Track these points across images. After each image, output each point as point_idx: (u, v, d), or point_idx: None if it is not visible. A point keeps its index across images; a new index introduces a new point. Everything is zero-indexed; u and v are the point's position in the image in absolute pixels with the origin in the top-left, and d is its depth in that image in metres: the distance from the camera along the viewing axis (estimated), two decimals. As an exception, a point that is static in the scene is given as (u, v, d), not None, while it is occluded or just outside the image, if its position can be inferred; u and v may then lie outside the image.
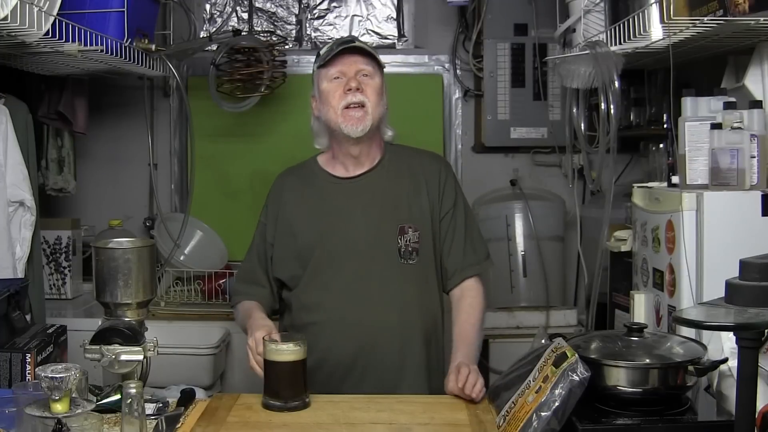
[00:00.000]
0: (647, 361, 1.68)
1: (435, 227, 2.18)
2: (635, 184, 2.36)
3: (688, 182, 2.09)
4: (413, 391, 2.06)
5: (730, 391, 1.62)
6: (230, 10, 3.86)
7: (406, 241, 2.13)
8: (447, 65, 3.76)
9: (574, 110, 2.91)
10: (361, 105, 2.09)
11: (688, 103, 2.17)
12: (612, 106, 2.43)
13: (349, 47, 2.12)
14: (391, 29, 3.87)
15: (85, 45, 2.47)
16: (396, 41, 3.84)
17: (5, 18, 1.95)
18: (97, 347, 1.80)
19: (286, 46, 3.73)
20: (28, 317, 2.05)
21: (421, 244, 2.15)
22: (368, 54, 2.13)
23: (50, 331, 1.95)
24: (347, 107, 2.09)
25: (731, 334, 1.48)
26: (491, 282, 2.42)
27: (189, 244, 3.55)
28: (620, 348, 1.73)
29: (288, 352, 1.89)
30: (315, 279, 2.14)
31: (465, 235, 2.20)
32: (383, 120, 2.19)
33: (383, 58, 2.22)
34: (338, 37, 3.71)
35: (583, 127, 2.91)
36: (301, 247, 2.16)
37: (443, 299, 2.22)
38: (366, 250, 2.12)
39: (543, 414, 1.61)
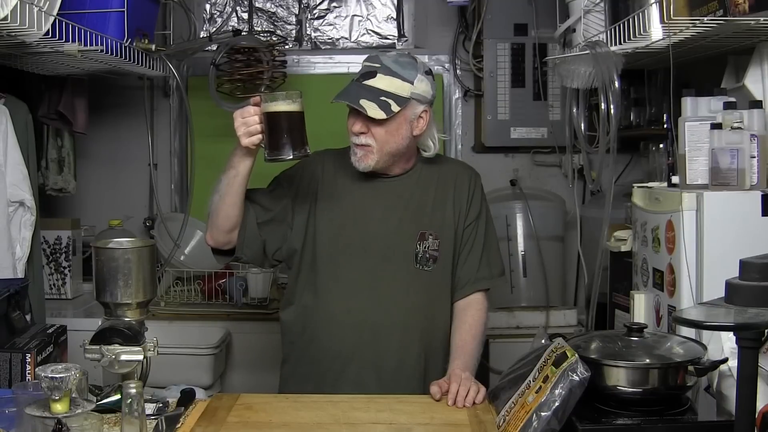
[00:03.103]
0: (647, 361, 1.68)
1: (457, 238, 2.18)
2: (635, 184, 2.36)
3: (688, 182, 2.09)
4: (409, 393, 2.06)
5: (730, 391, 1.62)
6: (230, 10, 3.86)
7: (425, 248, 2.13)
8: (447, 65, 3.76)
9: (574, 110, 2.91)
10: (367, 145, 2.07)
11: (688, 103, 2.17)
12: (612, 106, 2.44)
13: (350, 104, 2.04)
14: (391, 29, 3.86)
15: (85, 45, 2.48)
16: (396, 41, 3.84)
17: (5, 18, 1.95)
18: (97, 347, 1.80)
19: (286, 46, 3.74)
20: (28, 317, 2.05)
21: (441, 252, 2.15)
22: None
23: (50, 331, 1.95)
24: (355, 143, 2.08)
25: (731, 334, 1.48)
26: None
27: (189, 244, 3.55)
28: (620, 348, 1.73)
29: (288, 101, 1.89)
30: (327, 266, 2.13)
31: (483, 248, 2.19)
32: (421, 138, 2.13)
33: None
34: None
35: (583, 127, 2.92)
36: (319, 230, 2.14)
37: (451, 308, 2.20)
38: (382, 250, 2.12)
39: (543, 414, 1.61)
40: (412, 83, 2.05)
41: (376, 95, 2.02)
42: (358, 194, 2.16)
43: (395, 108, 2.03)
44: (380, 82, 2.04)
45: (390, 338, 2.11)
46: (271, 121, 1.90)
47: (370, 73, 2.06)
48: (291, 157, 1.90)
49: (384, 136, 2.05)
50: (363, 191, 2.16)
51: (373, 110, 2.01)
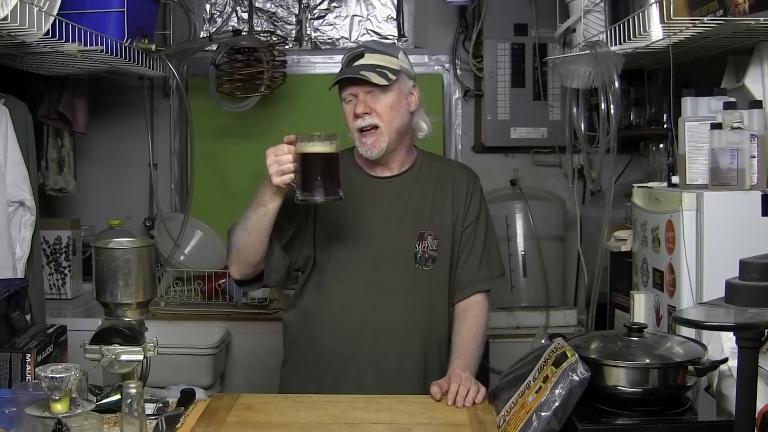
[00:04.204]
0: (647, 361, 1.68)
1: (456, 238, 2.18)
2: (635, 184, 2.36)
3: (688, 182, 2.09)
4: (409, 393, 2.06)
5: (730, 391, 1.62)
6: (230, 10, 3.86)
7: (424, 248, 2.14)
8: (447, 65, 3.76)
9: (574, 110, 2.91)
10: (374, 126, 2.07)
11: (688, 103, 2.16)
12: (612, 106, 2.44)
13: (352, 76, 2.06)
14: (391, 29, 3.87)
15: (85, 45, 2.48)
16: (396, 41, 3.84)
17: (5, 18, 1.95)
18: (97, 347, 1.80)
19: (286, 46, 3.74)
20: (28, 317, 2.05)
21: (440, 253, 2.15)
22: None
23: (50, 331, 1.95)
24: (361, 131, 2.08)
25: (731, 334, 1.48)
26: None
27: (189, 244, 3.55)
28: (620, 348, 1.73)
29: (325, 143, 1.89)
30: (329, 269, 2.14)
31: (483, 249, 2.20)
32: (414, 117, 2.17)
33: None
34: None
35: (583, 127, 2.92)
36: (320, 233, 2.15)
37: (452, 309, 2.21)
38: (382, 251, 2.13)
39: (543, 414, 1.61)
40: (397, 57, 2.12)
41: (372, 68, 2.06)
42: (357, 195, 2.16)
43: (392, 76, 2.07)
44: (370, 59, 2.08)
45: (390, 338, 2.11)
46: (305, 162, 1.90)
47: (358, 56, 2.10)
48: (323, 200, 1.91)
49: (389, 112, 2.07)
50: (363, 192, 2.16)
51: (376, 78, 2.04)
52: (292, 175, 1.92)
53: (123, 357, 1.81)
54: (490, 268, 2.21)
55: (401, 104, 2.11)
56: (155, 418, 1.75)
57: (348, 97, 2.09)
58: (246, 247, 2.08)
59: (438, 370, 2.13)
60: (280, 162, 1.91)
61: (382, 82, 2.05)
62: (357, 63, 2.08)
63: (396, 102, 2.09)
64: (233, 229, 2.11)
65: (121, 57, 2.72)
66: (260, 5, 3.86)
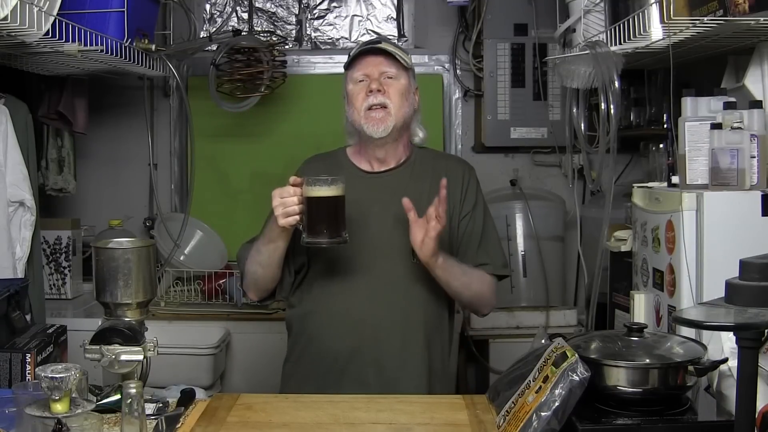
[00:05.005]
0: (647, 361, 1.68)
1: (453, 230, 2.18)
2: (635, 184, 2.36)
3: (688, 182, 2.09)
4: (412, 391, 2.06)
5: (730, 391, 1.62)
6: (230, 10, 3.86)
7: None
8: (447, 65, 3.76)
9: (574, 110, 2.91)
10: (383, 106, 2.10)
11: (688, 103, 2.16)
12: (612, 106, 2.44)
13: (372, 49, 2.13)
14: (391, 29, 3.87)
15: (85, 45, 2.48)
16: (396, 41, 3.83)
17: (5, 18, 1.95)
18: (97, 347, 1.80)
19: (286, 46, 3.74)
20: (28, 317, 2.05)
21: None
22: (393, 55, 2.14)
23: (50, 331, 1.95)
24: (369, 109, 2.10)
25: (731, 334, 1.48)
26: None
27: (189, 244, 3.56)
28: (620, 348, 1.73)
29: (332, 186, 1.92)
30: (325, 268, 2.14)
31: (481, 240, 2.19)
32: (413, 120, 2.20)
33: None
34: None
35: (583, 127, 2.92)
36: None
37: (453, 304, 2.21)
38: (378, 246, 2.13)
39: (543, 414, 1.61)
40: (407, 54, 2.19)
41: (392, 48, 2.15)
42: (353, 192, 2.16)
43: (409, 63, 2.15)
44: (388, 46, 2.16)
45: (390, 335, 2.11)
46: (310, 205, 1.93)
47: (375, 41, 2.18)
48: (327, 244, 1.94)
49: (399, 98, 2.12)
50: (358, 188, 2.16)
51: (399, 56, 2.12)
52: (297, 217, 1.95)
53: (123, 357, 1.81)
54: (489, 257, 2.19)
55: (410, 95, 2.16)
56: (155, 418, 1.75)
57: (360, 77, 2.13)
58: (263, 278, 2.15)
59: (441, 365, 2.13)
60: (285, 204, 1.95)
61: (403, 61, 2.13)
62: (373, 47, 2.15)
63: (406, 90, 2.14)
64: (245, 259, 2.16)
65: (121, 57, 2.72)
66: (260, 5, 3.86)
